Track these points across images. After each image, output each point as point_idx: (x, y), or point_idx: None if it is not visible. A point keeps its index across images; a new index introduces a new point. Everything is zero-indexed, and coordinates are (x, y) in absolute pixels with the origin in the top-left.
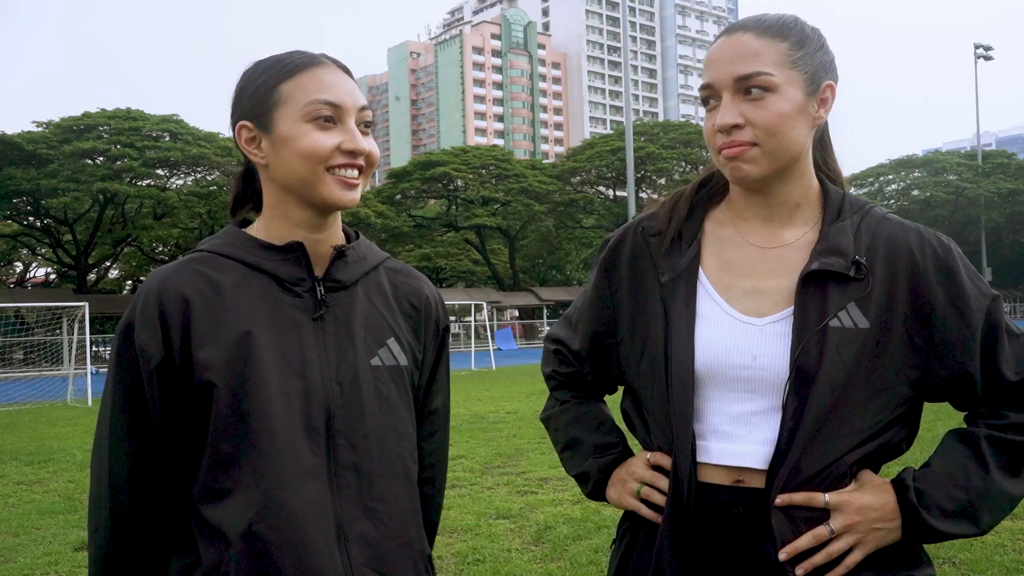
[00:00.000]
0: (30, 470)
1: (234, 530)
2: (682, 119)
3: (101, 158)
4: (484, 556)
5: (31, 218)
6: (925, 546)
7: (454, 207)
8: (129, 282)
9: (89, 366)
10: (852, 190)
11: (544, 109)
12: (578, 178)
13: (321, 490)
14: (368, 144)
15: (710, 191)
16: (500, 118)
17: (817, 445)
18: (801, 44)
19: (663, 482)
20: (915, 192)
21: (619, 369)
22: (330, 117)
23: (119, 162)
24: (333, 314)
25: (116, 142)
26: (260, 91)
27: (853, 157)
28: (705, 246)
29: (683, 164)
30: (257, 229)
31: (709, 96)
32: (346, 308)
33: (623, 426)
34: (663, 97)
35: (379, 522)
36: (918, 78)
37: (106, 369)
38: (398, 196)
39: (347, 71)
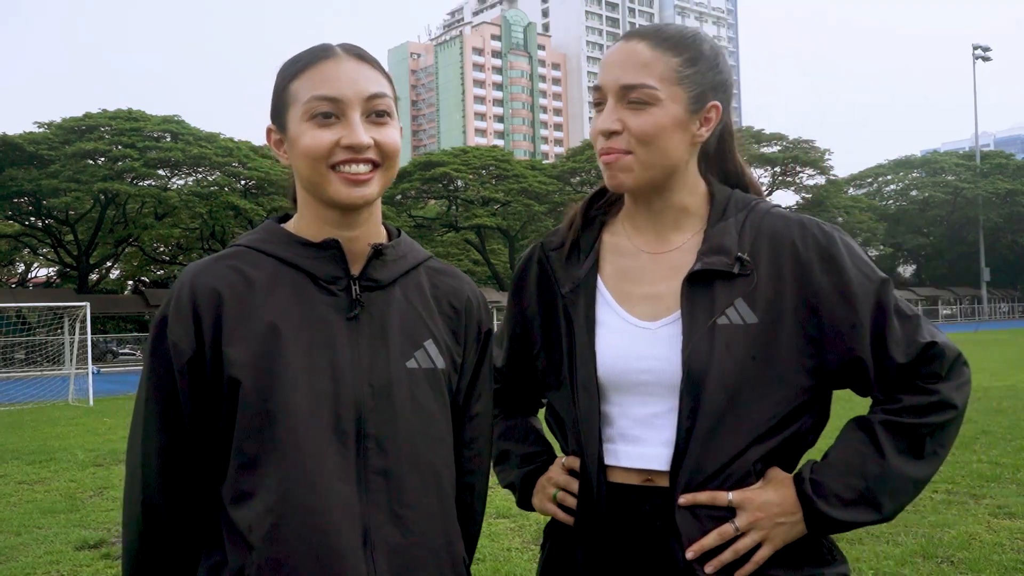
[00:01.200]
0: (31, 469)
1: (255, 533)
2: None
3: (102, 158)
4: (484, 555)
5: (33, 218)
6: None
7: (454, 207)
8: (130, 282)
9: (90, 366)
10: (851, 190)
11: (544, 110)
12: (578, 178)
13: (348, 494)
14: (379, 135)
15: (608, 202)
16: (500, 119)
17: (716, 443)
18: (693, 62)
19: (576, 485)
20: (913, 192)
21: (541, 382)
22: (329, 113)
23: (120, 162)
24: (368, 314)
25: (117, 142)
26: (276, 92)
27: (853, 158)
28: (603, 256)
29: None
30: (293, 226)
31: (599, 99)
32: (382, 308)
33: (553, 438)
34: None
35: (406, 529)
36: (918, 79)
37: (107, 369)
38: (398, 196)
39: (364, 58)
